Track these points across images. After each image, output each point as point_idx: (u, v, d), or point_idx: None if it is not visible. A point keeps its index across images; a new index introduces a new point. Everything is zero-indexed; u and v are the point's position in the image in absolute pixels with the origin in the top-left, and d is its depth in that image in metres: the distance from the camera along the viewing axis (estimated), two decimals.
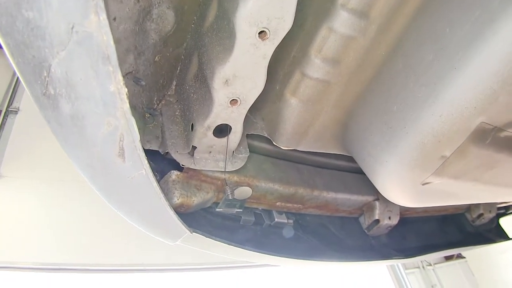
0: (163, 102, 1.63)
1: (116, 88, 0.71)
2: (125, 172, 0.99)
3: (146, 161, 0.95)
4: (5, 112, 6.14)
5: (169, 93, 1.66)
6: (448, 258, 8.85)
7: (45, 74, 0.72)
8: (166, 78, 1.58)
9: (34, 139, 5.80)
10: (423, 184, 1.56)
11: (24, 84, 0.78)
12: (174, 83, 1.66)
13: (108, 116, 0.78)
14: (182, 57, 1.57)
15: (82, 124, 0.82)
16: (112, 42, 0.64)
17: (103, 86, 0.71)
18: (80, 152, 0.95)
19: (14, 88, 6.41)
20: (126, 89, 0.72)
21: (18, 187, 5.52)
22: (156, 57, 1.41)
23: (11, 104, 6.29)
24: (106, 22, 0.62)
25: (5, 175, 5.58)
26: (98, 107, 0.76)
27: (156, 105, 1.60)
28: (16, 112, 6.20)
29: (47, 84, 0.74)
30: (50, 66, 0.71)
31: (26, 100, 6.32)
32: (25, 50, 0.69)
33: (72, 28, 0.63)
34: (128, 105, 0.75)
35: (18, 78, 5.90)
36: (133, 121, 0.80)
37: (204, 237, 1.55)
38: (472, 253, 8.50)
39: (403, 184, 1.57)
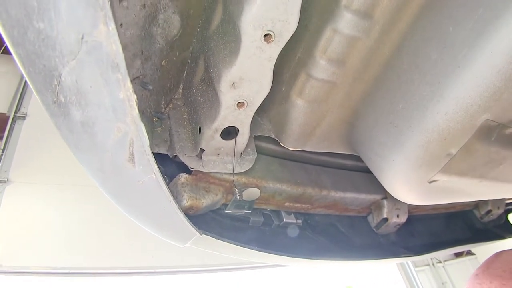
0: (170, 106, 1.64)
1: (126, 95, 0.73)
2: (135, 177, 1.00)
3: (155, 165, 0.97)
4: (13, 118, 6.18)
5: (176, 96, 1.67)
6: (458, 255, 8.84)
7: (56, 83, 0.74)
8: (173, 82, 1.59)
9: (42, 144, 5.83)
10: (430, 182, 1.56)
11: (35, 92, 0.80)
12: (181, 86, 1.67)
13: (118, 122, 0.79)
14: (189, 61, 1.58)
15: (92, 130, 0.83)
16: (121, 50, 0.65)
17: (113, 94, 0.73)
18: (91, 157, 0.96)
19: (22, 94, 6.45)
20: (135, 96, 0.74)
21: (27, 192, 5.55)
22: (163, 62, 1.42)
23: (18, 110, 6.32)
24: (115, 31, 0.64)
25: (14, 180, 5.61)
26: (108, 114, 0.78)
27: (163, 109, 1.61)
28: (24, 118, 6.24)
29: (57, 93, 0.76)
30: (60, 75, 0.72)
31: (33, 106, 6.35)
32: (36, 59, 0.71)
33: (82, 38, 0.65)
34: (137, 111, 0.77)
35: (25, 83, 5.96)
36: (142, 126, 0.81)
37: (214, 238, 1.56)
38: (482, 249, 8.47)
39: (410, 183, 1.58)
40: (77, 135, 0.86)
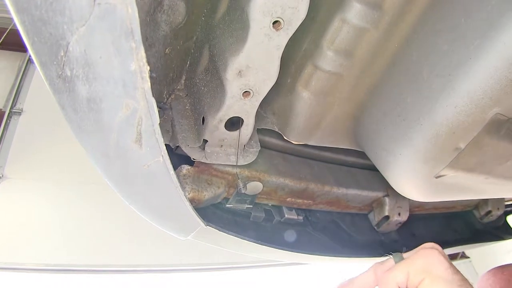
0: (172, 97, 1.62)
1: (138, 66, 0.69)
2: (141, 160, 0.97)
3: (164, 147, 0.93)
4: (8, 114, 6.14)
5: (178, 87, 1.65)
6: (452, 258, 8.83)
7: (62, 54, 0.70)
8: (176, 72, 1.57)
9: (37, 140, 5.81)
10: (436, 177, 1.54)
11: (38, 66, 0.76)
12: (184, 77, 1.65)
13: (127, 98, 0.76)
14: (192, 50, 1.56)
15: (98, 108, 0.80)
16: (137, 15, 0.62)
17: (124, 65, 0.69)
18: (95, 139, 0.93)
19: (18, 89, 6.41)
20: (148, 67, 0.70)
21: (22, 188, 5.52)
22: (167, 50, 1.39)
23: (14, 106, 6.28)
24: None
25: (9, 176, 5.57)
26: (117, 89, 0.74)
27: (166, 99, 1.58)
28: (19, 114, 6.20)
29: (63, 65, 0.72)
30: (68, 44, 0.68)
31: (30, 102, 6.32)
32: (42, 27, 0.67)
33: (94, 0, 0.61)
34: (149, 84, 0.73)
35: (21, 79, 5.94)
36: (153, 102, 0.77)
37: (217, 231, 1.54)
38: (476, 252, 8.49)
39: (416, 177, 1.56)
40: (82, 114, 0.83)
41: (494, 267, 1.77)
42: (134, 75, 0.70)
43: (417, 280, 1.24)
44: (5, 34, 5.87)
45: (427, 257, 1.31)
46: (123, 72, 0.70)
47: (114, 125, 0.84)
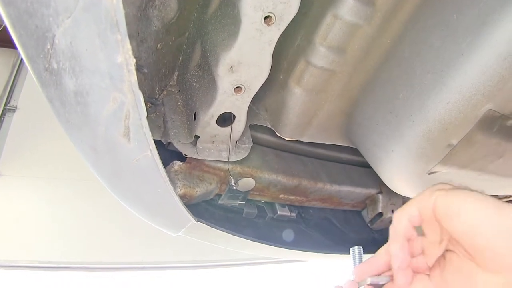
0: (164, 93, 1.62)
1: (124, 59, 0.68)
2: (130, 154, 0.96)
3: (152, 141, 0.93)
4: (2, 111, 6.12)
5: (170, 83, 1.65)
6: None
7: (49, 47, 0.69)
8: (168, 68, 1.56)
9: (32, 137, 5.80)
10: (429, 174, 1.54)
11: (25, 59, 0.75)
12: (176, 73, 1.65)
13: (114, 91, 0.75)
14: (184, 46, 1.56)
15: (86, 101, 0.79)
16: (121, 6, 0.61)
17: (110, 57, 0.68)
18: (83, 133, 0.92)
19: (12, 86, 6.39)
20: (134, 60, 0.70)
21: (17, 186, 5.50)
22: (159, 45, 1.39)
23: (8, 103, 6.26)
24: None
25: (4, 173, 5.56)
26: (104, 81, 0.73)
27: (158, 95, 1.58)
28: (14, 111, 6.19)
29: (50, 58, 0.71)
30: (54, 36, 0.68)
31: (24, 99, 6.30)
32: (28, 20, 0.66)
33: None
34: (135, 77, 0.72)
35: (16, 76, 5.92)
36: (140, 95, 0.76)
37: (208, 226, 1.53)
38: None
39: (409, 174, 1.55)
40: (69, 107, 0.82)
41: None
42: (121, 67, 0.70)
43: (429, 205, 1.04)
44: None
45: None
46: (109, 64, 0.70)
47: (101, 119, 0.83)
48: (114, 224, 5.26)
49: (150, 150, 0.94)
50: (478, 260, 0.82)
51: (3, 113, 6.08)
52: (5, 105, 6.15)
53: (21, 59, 6.50)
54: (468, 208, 0.83)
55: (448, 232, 0.88)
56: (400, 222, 1.03)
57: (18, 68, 6.55)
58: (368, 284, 1.10)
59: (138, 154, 0.95)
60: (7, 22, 0.68)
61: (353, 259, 1.34)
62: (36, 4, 0.63)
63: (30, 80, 6.31)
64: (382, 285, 1.07)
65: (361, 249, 1.35)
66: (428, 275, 0.98)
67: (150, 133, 0.88)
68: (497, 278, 0.81)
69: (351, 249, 1.36)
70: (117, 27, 0.63)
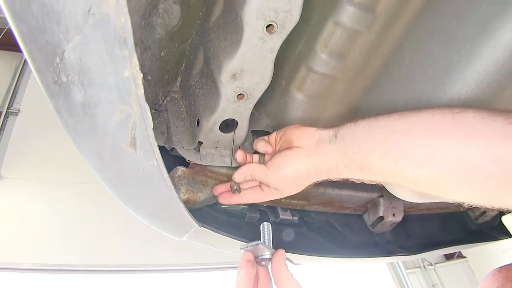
0: (168, 99, 1.63)
1: (131, 73, 0.70)
2: (136, 163, 0.98)
3: (157, 151, 0.95)
4: (5, 114, 6.15)
5: (174, 89, 1.66)
6: (448, 257, 8.86)
7: (58, 61, 0.71)
8: (171, 74, 1.58)
9: (34, 140, 5.83)
10: None
11: (35, 72, 0.77)
12: (179, 79, 1.66)
13: (121, 104, 0.77)
14: (187, 53, 1.57)
15: (93, 112, 0.81)
16: (129, 24, 0.63)
17: (118, 72, 0.70)
18: (90, 142, 0.94)
19: (15, 90, 6.42)
20: (141, 74, 0.72)
21: (19, 189, 5.52)
22: (162, 52, 1.41)
23: (11, 106, 6.30)
24: (125, 3, 0.61)
25: (6, 176, 5.58)
26: (112, 94, 0.75)
27: (161, 101, 1.60)
28: (16, 114, 6.22)
29: (59, 71, 0.73)
30: (63, 52, 0.70)
31: (26, 102, 6.33)
32: (39, 35, 0.68)
33: (89, 10, 0.62)
34: (142, 91, 0.74)
35: (18, 79, 5.95)
36: (147, 107, 0.78)
37: (212, 231, 1.55)
38: (473, 252, 8.51)
39: None
40: (77, 118, 0.84)
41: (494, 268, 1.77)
42: (128, 81, 0.72)
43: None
44: (2, 34, 5.87)
45: None
46: (117, 78, 0.72)
47: (108, 129, 0.85)
48: (116, 227, 5.28)
49: (156, 159, 0.96)
50: None
51: (6, 116, 6.11)
52: (8, 108, 6.19)
53: (24, 62, 6.53)
54: None
55: None
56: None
57: (21, 71, 6.58)
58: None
59: (144, 163, 0.97)
60: (17, 37, 0.70)
61: (262, 234, 1.42)
62: (48, 21, 0.65)
63: (33, 83, 6.34)
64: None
65: (270, 225, 1.50)
66: None
67: (156, 143, 0.90)
68: None
69: (261, 225, 1.43)
70: (125, 43, 0.65)
